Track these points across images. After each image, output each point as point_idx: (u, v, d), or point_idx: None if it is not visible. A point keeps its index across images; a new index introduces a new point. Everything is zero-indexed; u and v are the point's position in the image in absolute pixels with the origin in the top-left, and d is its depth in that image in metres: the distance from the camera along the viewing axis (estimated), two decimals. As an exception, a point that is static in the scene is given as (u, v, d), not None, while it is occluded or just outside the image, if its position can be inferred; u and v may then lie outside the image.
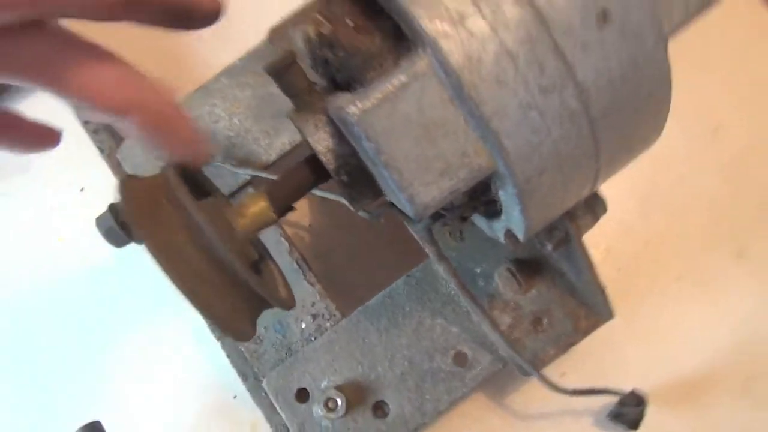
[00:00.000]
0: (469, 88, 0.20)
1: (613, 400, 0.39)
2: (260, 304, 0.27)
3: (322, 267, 0.40)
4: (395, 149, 0.21)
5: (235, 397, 0.43)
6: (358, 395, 0.35)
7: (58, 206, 0.47)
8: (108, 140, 0.42)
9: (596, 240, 0.43)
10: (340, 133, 0.25)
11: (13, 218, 0.47)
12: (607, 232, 0.43)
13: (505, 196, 0.24)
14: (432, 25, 0.20)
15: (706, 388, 0.40)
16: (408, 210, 0.22)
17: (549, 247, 0.31)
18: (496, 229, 0.28)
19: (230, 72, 0.40)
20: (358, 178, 0.25)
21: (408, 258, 0.38)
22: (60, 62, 0.23)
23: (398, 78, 0.20)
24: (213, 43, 0.46)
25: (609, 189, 0.43)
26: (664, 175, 0.44)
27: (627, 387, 0.38)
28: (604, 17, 0.20)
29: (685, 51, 0.45)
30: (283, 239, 0.39)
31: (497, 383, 0.41)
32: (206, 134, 0.30)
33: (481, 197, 0.25)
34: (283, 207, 0.27)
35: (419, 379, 0.35)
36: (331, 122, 0.25)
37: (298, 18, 0.40)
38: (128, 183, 0.26)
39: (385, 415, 0.35)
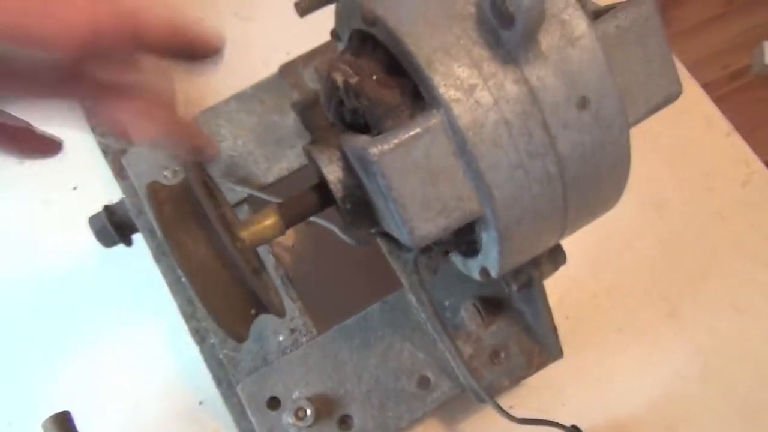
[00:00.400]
0: (471, 146, 0.24)
1: (553, 433, 0.43)
2: (258, 309, 0.30)
3: (303, 286, 0.42)
4: (404, 187, 0.25)
5: (200, 403, 0.45)
6: (326, 408, 0.38)
7: (49, 201, 0.49)
8: (113, 143, 0.45)
9: (550, 290, 0.47)
10: (349, 167, 0.29)
11: (3, 209, 0.49)
12: (560, 284, 0.48)
13: (487, 238, 0.28)
14: (447, 91, 0.24)
15: (635, 430, 0.45)
16: (406, 240, 0.26)
17: (514, 287, 0.35)
18: (471, 267, 0.32)
19: (239, 98, 0.44)
20: (359, 207, 0.29)
21: (383, 286, 0.41)
22: (95, 97, 0.27)
23: (414, 129, 0.24)
24: (224, 72, 0.50)
25: (566, 247, 0.49)
26: (613, 241, 0.50)
27: (567, 423, 0.42)
28: (583, 104, 0.25)
29: (640, 135, 0.51)
30: (270, 255, 0.42)
31: (450, 412, 0.45)
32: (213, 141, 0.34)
33: (465, 237, 0.29)
34: (289, 224, 0.31)
35: (384, 397, 0.38)
36: (343, 157, 0.29)
37: (307, 58, 0.44)
38: (154, 188, 0.29)
39: (349, 428, 0.38)
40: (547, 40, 0.25)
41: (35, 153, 0.32)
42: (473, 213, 0.26)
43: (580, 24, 0.25)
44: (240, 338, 0.30)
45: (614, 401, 0.45)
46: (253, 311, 0.30)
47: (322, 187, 0.30)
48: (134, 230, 0.44)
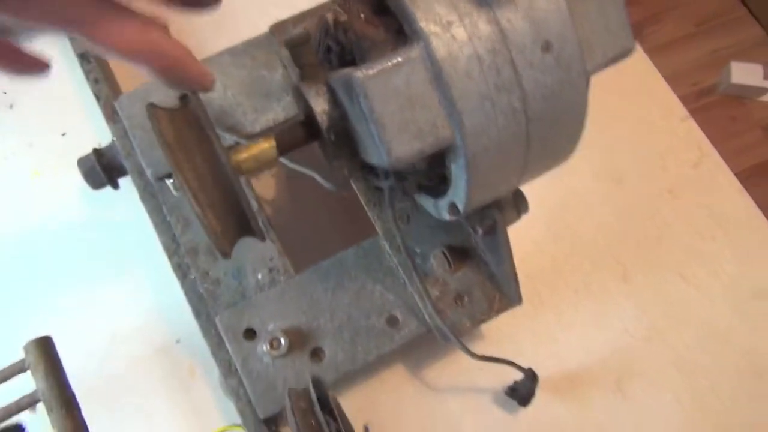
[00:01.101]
0: (446, 76, 0.27)
1: (509, 380, 0.46)
2: (244, 227, 0.32)
3: (283, 232, 0.45)
4: (385, 110, 0.27)
5: (177, 341, 0.47)
6: (299, 340, 0.41)
7: (38, 144, 0.50)
8: (105, 90, 0.47)
9: (514, 251, 0.51)
10: (335, 100, 0.31)
11: (-8, 147, 0.50)
12: (523, 246, 0.51)
13: (456, 168, 0.31)
14: (427, 25, 0.27)
15: (587, 382, 0.48)
16: (384, 161, 0.29)
17: (480, 231, 0.39)
18: (441, 207, 0.35)
19: (232, 51, 0.46)
20: (342, 138, 0.32)
21: (359, 234, 0.44)
22: (94, 18, 0.28)
23: (396, 58, 0.27)
24: (220, 31, 0.52)
25: (529, 217, 0.52)
26: (573, 208, 0.53)
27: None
28: (547, 47, 0.28)
29: (604, 112, 0.55)
30: (253, 201, 0.44)
31: (415, 357, 0.47)
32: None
33: (437, 169, 0.32)
34: (280, 152, 0.33)
35: (354, 333, 0.41)
36: (329, 91, 0.32)
37: (297, 19, 0.47)
38: (156, 109, 0.31)
39: (320, 359, 0.40)
40: (517, -12, 0.28)
41: (22, 70, 0.33)
42: (445, 139, 0.29)
43: (546, -25, 0.28)
44: (226, 253, 0.32)
45: (568, 354, 0.49)
46: (240, 230, 0.33)
47: (309, 121, 0.33)
48: (122, 173, 0.46)
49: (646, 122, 0.56)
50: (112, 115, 0.45)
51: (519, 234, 0.52)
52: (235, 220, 0.32)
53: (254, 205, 0.44)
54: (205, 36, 0.55)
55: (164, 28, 0.31)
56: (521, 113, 0.29)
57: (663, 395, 0.48)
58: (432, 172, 0.32)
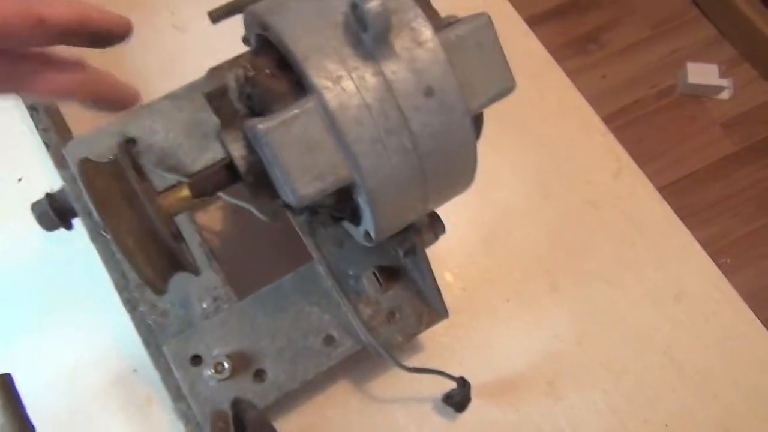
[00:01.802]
0: (339, 124, 0.31)
1: (448, 388, 0.49)
2: (175, 265, 0.36)
3: (228, 260, 0.48)
4: (286, 157, 0.31)
5: (134, 370, 0.50)
6: (243, 363, 0.44)
7: (-6, 191, 0.53)
8: (54, 137, 0.50)
9: (449, 265, 0.55)
10: (251, 146, 0.35)
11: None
12: (458, 260, 0.55)
13: (362, 201, 0.34)
14: (319, 80, 0.31)
15: (521, 385, 0.52)
16: (292, 199, 0.32)
17: (401, 252, 0.42)
18: (360, 233, 0.39)
19: (172, 96, 0.49)
20: (260, 180, 0.35)
21: (298, 260, 0.47)
22: (26, 75, 0.32)
23: (294, 110, 0.31)
24: (162, 76, 0.56)
25: (463, 231, 0.56)
26: (504, 223, 0.57)
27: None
28: (429, 92, 0.32)
29: (530, 135, 0.59)
30: (196, 234, 0.47)
31: (359, 373, 0.51)
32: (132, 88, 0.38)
33: (347, 202, 0.35)
34: (200, 194, 0.37)
35: (294, 353, 0.44)
36: (246, 138, 0.35)
37: (232, 63, 0.51)
38: (86, 164, 0.34)
39: (263, 380, 0.43)
40: (399, 42, 0.32)
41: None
42: (344, 178, 0.32)
43: (425, 31, 0.32)
44: (160, 291, 0.36)
45: (502, 361, 0.52)
46: (171, 268, 0.36)
47: (230, 165, 0.36)
48: (74, 215, 0.49)
49: (569, 140, 0.60)
50: (61, 162, 0.49)
51: (453, 249, 0.56)
52: (167, 259, 0.35)
53: (197, 238, 0.47)
54: (154, 80, 0.58)
55: (84, 67, 0.35)
56: (412, 151, 0.33)
57: (593, 394, 0.52)
58: (341, 205, 0.36)
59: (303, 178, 0.32)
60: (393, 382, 0.51)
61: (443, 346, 0.52)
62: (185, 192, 0.36)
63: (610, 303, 0.55)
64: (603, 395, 0.52)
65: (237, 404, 0.29)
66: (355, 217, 0.38)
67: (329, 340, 0.45)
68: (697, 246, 0.57)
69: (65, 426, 0.48)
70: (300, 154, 0.31)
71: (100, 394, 0.49)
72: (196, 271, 0.37)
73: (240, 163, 0.35)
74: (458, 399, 0.48)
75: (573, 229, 0.57)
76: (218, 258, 0.48)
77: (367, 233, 0.38)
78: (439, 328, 0.52)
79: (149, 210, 0.33)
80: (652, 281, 0.56)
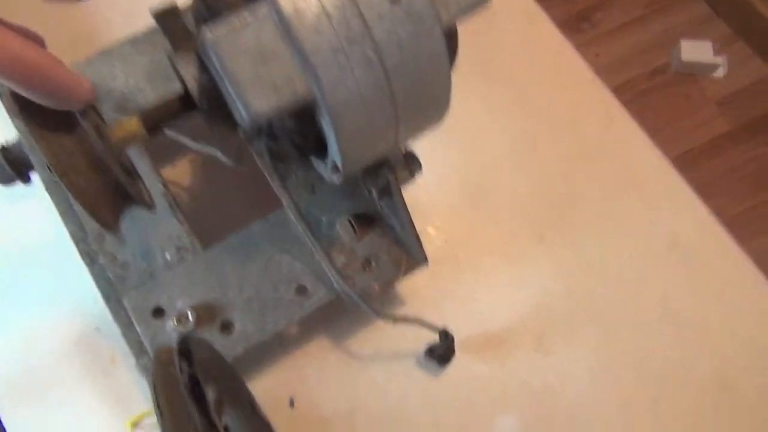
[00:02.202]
0: (295, 32, 0.28)
1: (431, 343, 0.47)
2: (125, 200, 0.33)
3: (192, 212, 0.45)
4: (236, 67, 0.28)
5: (97, 329, 0.47)
6: (208, 315, 0.41)
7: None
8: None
9: (431, 218, 0.52)
10: (204, 67, 0.32)
11: None
12: (441, 214, 0.53)
13: (325, 125, 0.31)
14: (271, -18, 0.28)
15: (508, 340, 0.49)
16: (243, 116, 0.29)
17: (375, 192, 0.39)
18: (328, 168, 0.36)
19: (133, 41, 0.47)
20: (215, 105, 0.32)
21: (266, 209, 0.45)
22: None
23: (244, 16, 0.28)
24: (125, 20, 0.53)
25: (446, 184, 0.53)
26: (489, 176, 0.54)
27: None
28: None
29: (514, 86, 0.57)
30: (159, 184, 0.45)
31: (336, 329, 0.48)
32: (83, 76, 0.31)
33: (309, 126, 0.33)
34: (152, 128, 0.34)
35: (263, 304, 0.41)
36: (199, 59, 0.32)
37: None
38: (12, 99, 0.32)
39: (230, 332, 0.41)
40: (360, -58, 0.29)
41: None
42: (302, 93, 0.29)
43: (388, -70, 0.29)
44: (109, 226, 0.33)
45: (489, 315, 0.50)
46: (122, 202, 0.33)
47: (183, 95, 0.34)
48: (30, 167, 0.46)
49: (558, 89, 0.58)
50: (13, 108, 0.46)
51: (436, 200, 0.53)
52: (117, 193, 0.33)
53: (159, 188, 0.44)
54: (118, 25, 0.55)
55: (37, 40, 0.31)
56: (377, 64, 0.30)
57: (584, 349, 0.49)
58: (304, 130, 0.33)
59: (256, 91, 0.29)
60: (372, 337, 0.48)
61: (425, 299, 0.49)
62: (135, 123, 0.33)
63: (601, 255, 0.52)
64: (594, 350, 0.49)
65: (185, 341, 0.27)
66: (321, 149, 0.35)
67: (301, 290, 0.42)
68: (693, 194, 0.54)
69: (24, 390, 0.45)
70: (252, 65, 0.28)
71: (62, 355, 0.46)
72: (150, 206, 0.34)
73: (191, 86, 0.32)
74: (441, 352, 0.45)
75: (562, 181, 0.54)
76: (183, 209, 0.45)
77: (334, 166, 0.35)
78: (420, 280, 0.50)
79: (95, 140, 0.30)
80: (646, 231, 0.53)
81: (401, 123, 0.33)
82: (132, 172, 0.35)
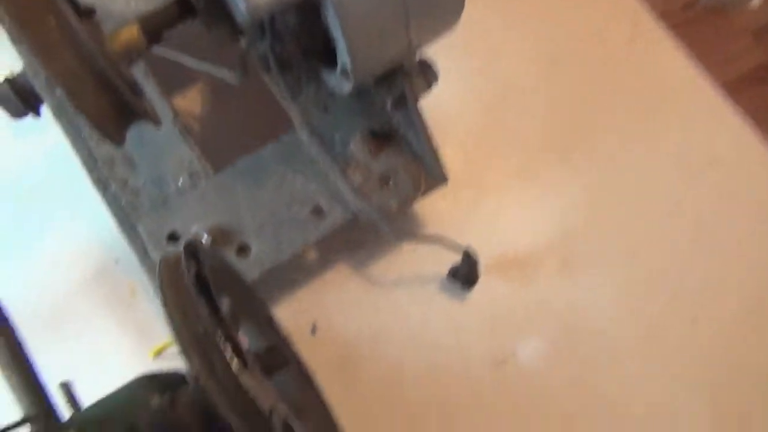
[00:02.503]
0: None
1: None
2: (130, 115, 0.32)
3: (203, 137, 0.44)
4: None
5: (116, 261, 0.47)
6: (224, 239, 0.40)
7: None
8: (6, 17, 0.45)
9: (450, 139, 0.50)
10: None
11: None
12: (461, 134, 0.50)
13: (330, 19, 0.29)
14: None
15: (532, 263, 0.47)
16: (242, 11, 0.27)
17: (390, 103, 0.37)
18: (337, 77, 0.34)
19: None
20: (212, 6, 0.31)
21: (277, 131, 0.43)
22: None
23: None
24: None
25: (464, 102, 0.50)
26: (510, 95, 0.52)
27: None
28: None
29: (532, 2, 0.53)
30: (169, 109, 0.43)
31: (357, 257, 0.47)
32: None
33: (314, 24, 0.31)
34: (152, 35, 0.32)
35: (278, 226, 0.40)
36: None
37: None
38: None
39: (246, 255, 0.40)
40: None
41: None
42: (304, -19, 0.27)
43: None
44: (113, 139, 0.32)
45: (513, 237, 0.48)
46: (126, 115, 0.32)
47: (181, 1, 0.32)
48: (38, 99, 0.45)
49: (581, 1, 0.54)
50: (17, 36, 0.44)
51: (455, 120, 0.51)
52: (122, 107, 0.31)
53: (170, 113, 0.43)
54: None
55: None
56: (384, -54, 0.28)
57: (612, 270, 0.48)
58: (311, 29, 0.31)
59: (255, -20, 0.27)
60: (394, 262, 0.47)
61: (447, 223, 0.48)
62: (134, 30, 0.32)
63: (630, 174, 0.50)
64: (623, 272, 0.47)
65: (192, 243, 0.26)
66: (331, 58, 0.33)
67: (316, 211, 0.41)
68: (734, 114, 0.51)
69: (47, 322, 0.45)
70: (248, -49, 0.26)
71: (82, 288, 0.46)
72: (155, 119, 0.33)
73: (189, -15, 0.30)
74: (464, 273, 0.44)
75: (586, 97, 0.52)
76: (194, 135, 0.44)
77: (344, 70, 0.33)
78: (441, 204, 0.48)
79: (96, 51, 0.29)
80: (679, 148, 0.50)
81: (412, 18, 0.31)
82: (135, 88, 0.34)
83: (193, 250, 0.25)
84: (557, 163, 0.50)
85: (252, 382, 0.21)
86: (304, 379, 0.33)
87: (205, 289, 0.25)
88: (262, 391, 0.21)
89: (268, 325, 0.32)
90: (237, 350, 0.21)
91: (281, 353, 0.26)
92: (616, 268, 0.48)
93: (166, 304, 0.22)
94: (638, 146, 0.50)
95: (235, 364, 0.20)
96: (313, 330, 0.46)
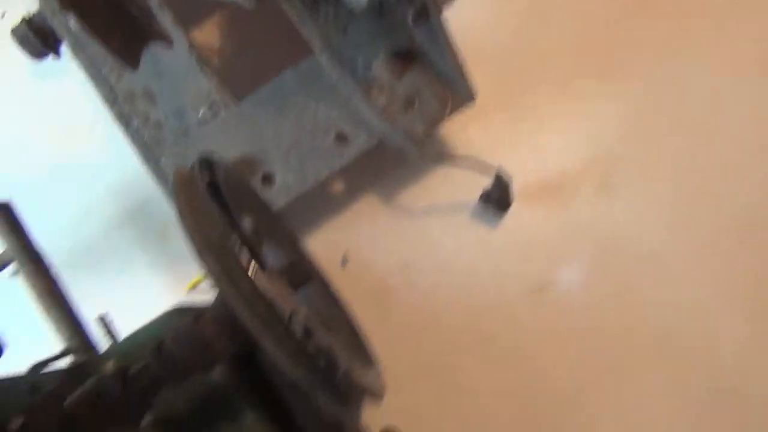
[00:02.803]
0: None
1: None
2: (143, 36, 0.31)
3: (221, 67, 0.43)
4: None
5: (146, 202, 0.47)
6: (248, 168, 0.39)
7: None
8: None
9: (477, 58, 0.47)
10: None
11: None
12: (488, 52, 0.47)
13: None
14: None
15: (569, 185, 0.45)
16: None
17: (411, 16, 0.35)
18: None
19: None
20: None
21: (296, 57, 0.42)
22: None
23: None
24: None
25: (496, 19, 0.47)
26: (546, 10, 0.48)
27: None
28: None
29: None
30: (184, 39, 0.42)
31: (385, 185, 0.46)
32: None
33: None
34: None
35: (302, 154, 0.39)
36: None
37: None
38: None
39: (271, 183, 0.39)
40: None
41: None
42: None
43: None
44: (128, 62, 0.31)
45: (547, 160, 0.46)
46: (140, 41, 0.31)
47: None
48: (57, 38, 0.45)
49: None
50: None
51: (483, 39, 0.48)
52: (135, 29, 0.30)
53: (185, 43, 0.42)
54: None
55: None
56: None
57: (655, 189, 0.45)
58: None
59: None
60: (423, 191, 0.45)
61: (477, 147, 0.46)
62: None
63: (677, 85, 0.46)
64: (668, 191, 0.45)
65: (207, 156, 0.25)
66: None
67: (340, 138, 0.39)
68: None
69: (82, 260, 0.46)
70: None
71: (115, 229, 0.47)
72: (168, 42, 0.32)
73: None
74: (497, 197, 0.42)
75: (623, 10, 0.48)
76: (212, 66, 0.43)
77: (359, -25, 0.31)
78: (471, 128, 0.46)
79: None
80: (733, 52, 0.46)
81: None
82: (147, 11, 0.32)
83: (206, 161, 0.24)
84: (594, 80, 0.47)
85: (270, 285, 0.20)
86: (332, 299, 0.32)
87: (219, 198, 0.24)
88: (282, 297, 0.21)
89: (291, 246, 0.31)
90: (254, 254, 0.20)
91: (304, 268, 0.26)
92: (659, 188, 0.45)
93: (179, 210, 0.22)
94: (685, 53, 0.47)
95: (252, 266, 0.20)
96: (344, 262, 0.45)
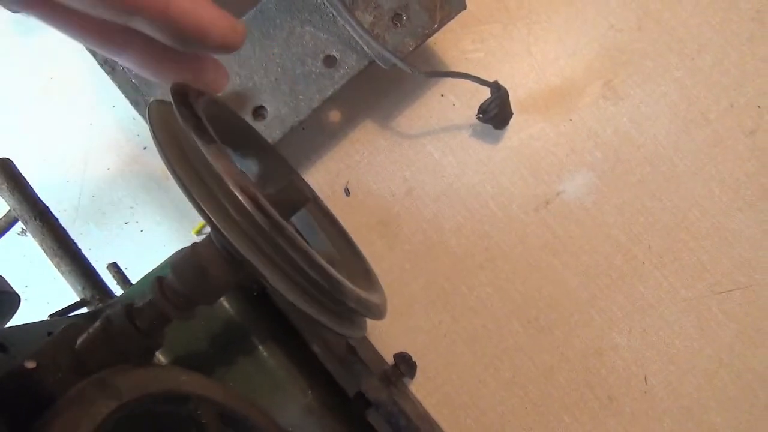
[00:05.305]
0: None
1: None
2: None
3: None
4: None
5: (144, 148, 0.47)
6: (238, 102, 0.38)
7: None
8: None
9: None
10: None
11: None
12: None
13: None
14: None
15: (572, 92, 0.44)
16: None
17: None
18: None
19: None
20: None
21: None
22: None
23: None
24: None
25: None
26: None
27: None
28: None
29: None
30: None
31: (381, 110, 0.45)
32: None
33: None
34: None
35: (292, 82, 0.38)
36: None
37: None
38: None
39: (263, 117, 0.38)
40: None
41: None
42: None
43: None
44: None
45: (547, 68, 0.44)
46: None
47: None
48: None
49: None
50: None
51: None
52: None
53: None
54: None
55: None
56: None
57: (662, 85, 0.43)
58: None
59: None
60: (420, 113, 0.44)
61: (473, 63, 0.44)
62: None
63: (680, -24, 0.44)
64: (676, 87, 0.43)
65: (178, 85, 0.24)
66: None
67: (329, 61, 0.38)
68: None
69: (90, 215, 0.47)
70: None
71: (117, 177, 0.47)
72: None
73: None
74: (494, 111, 0.41)
75: None
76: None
77: None
78: (465, 43, 0.44)
79: None
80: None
81: None
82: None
83: (180, 90, 0.24)
84: (593, -23, 0.44)
85: (261, 199, 0.19)
86: (331, 223, 0.32)
87: (202, 128, 0.23)
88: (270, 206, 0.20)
89: (284, 172, 0.31)
90: (242, 184, 0.20)
91: (300, 190, 0.25)
92: (669, 83, 0.43)
93: (159, 144, 0.21)
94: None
95: (238, 192, 0.19)
96: (347, 192, 0.45)
